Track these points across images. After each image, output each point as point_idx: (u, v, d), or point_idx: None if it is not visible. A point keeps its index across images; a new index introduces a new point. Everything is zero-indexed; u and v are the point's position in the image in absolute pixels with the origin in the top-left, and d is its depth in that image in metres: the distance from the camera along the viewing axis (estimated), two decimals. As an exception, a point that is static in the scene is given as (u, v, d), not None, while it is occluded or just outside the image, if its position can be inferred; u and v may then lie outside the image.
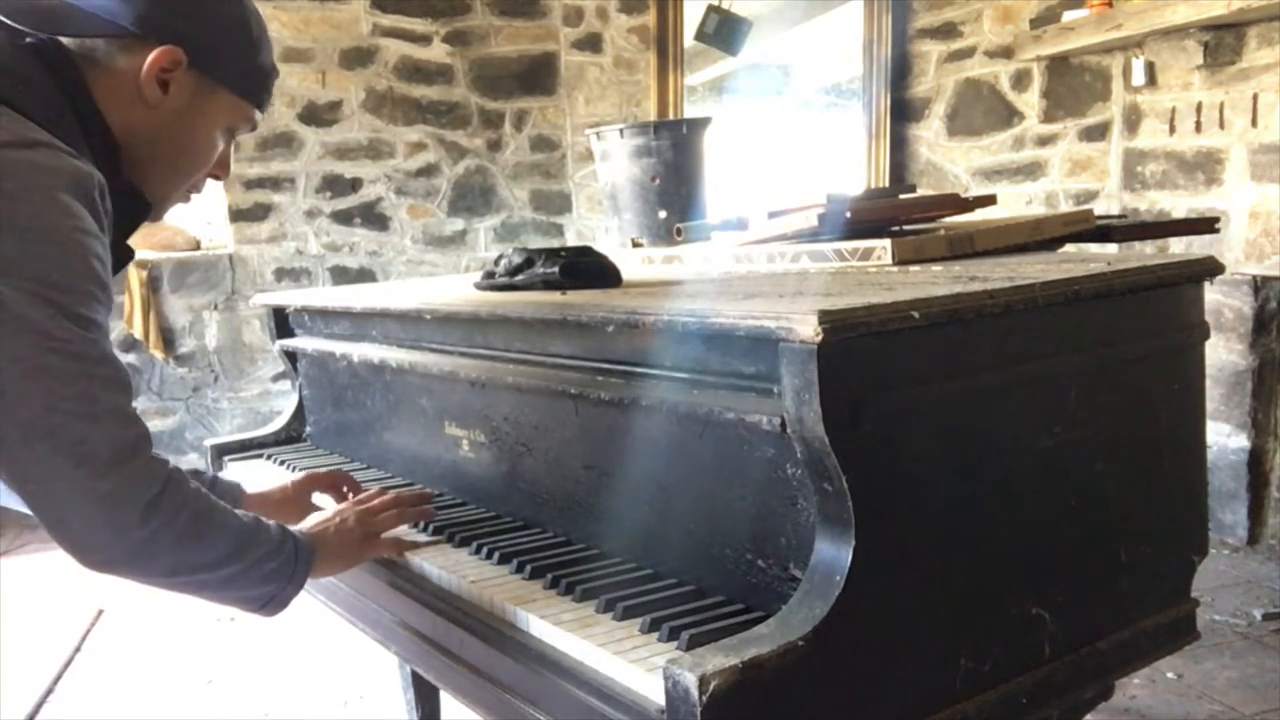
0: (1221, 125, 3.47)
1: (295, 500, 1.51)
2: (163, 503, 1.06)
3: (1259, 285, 3.20)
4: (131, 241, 1.27)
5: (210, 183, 1.33)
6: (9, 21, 1.11)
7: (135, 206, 1.21)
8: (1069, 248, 1.73)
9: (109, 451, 1.03)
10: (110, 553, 1.05)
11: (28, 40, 1.11)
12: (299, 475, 1.55)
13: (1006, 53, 4.21)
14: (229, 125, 1.26)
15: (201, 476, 1.45)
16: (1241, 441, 3.26)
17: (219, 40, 1.20)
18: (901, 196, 1.92)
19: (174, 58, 1.15)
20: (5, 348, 0.98)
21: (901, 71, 4.58)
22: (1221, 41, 3.39)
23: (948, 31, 4.46)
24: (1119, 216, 2.40)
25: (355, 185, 4.64)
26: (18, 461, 1.00)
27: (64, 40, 1.14)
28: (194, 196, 1.32)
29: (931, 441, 1.03)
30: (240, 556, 1.15)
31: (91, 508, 1.02)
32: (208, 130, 1.23)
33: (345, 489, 1.58)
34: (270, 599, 1.20)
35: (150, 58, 1.14)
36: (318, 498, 1.56)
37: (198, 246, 4.56)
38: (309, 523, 1.35)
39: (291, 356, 2.06)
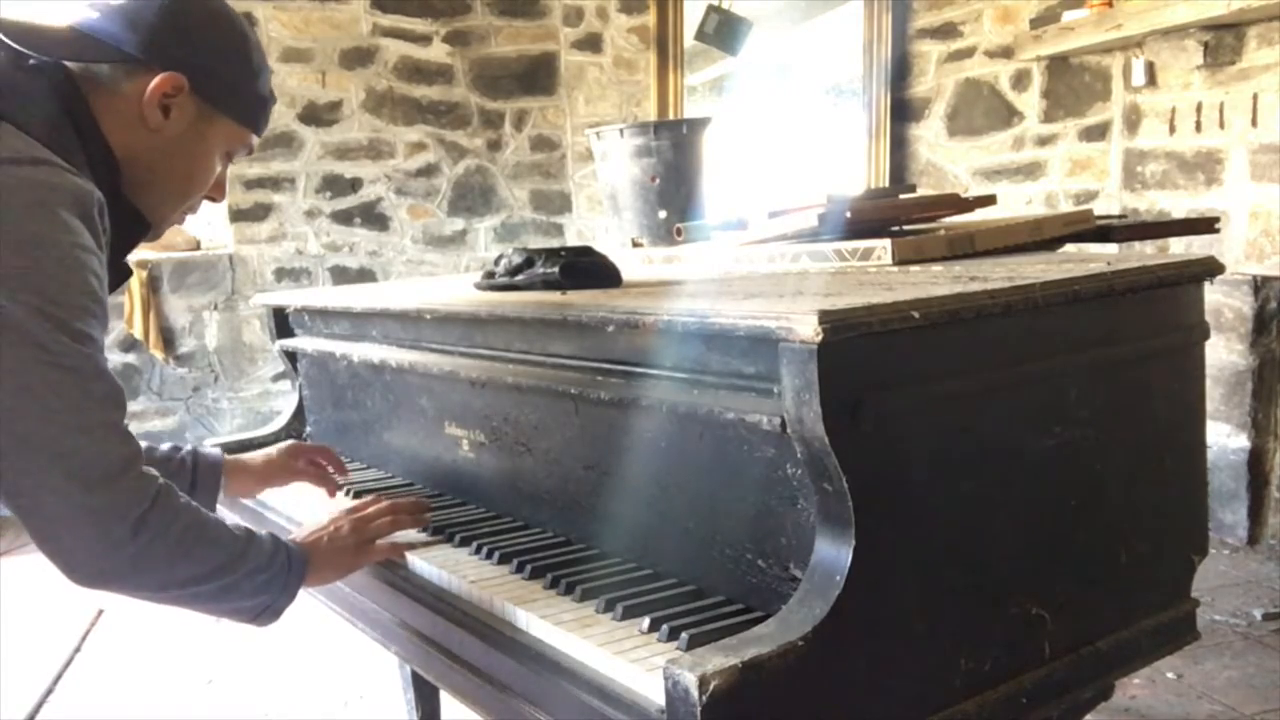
0: (1221, 125, 3.46)
1: (280, 466, 1.50)
2: (152, 519, 1.07)
3: (1259, 285, 3.20)
4: None
5: (206, 204, 1.35)
6: (15, 45, 1.13)
7: (134, 225, 1.24)
8: (1069, 248, 1.73)
9: (101, 466, 1.04)
10: (100, 567, 1.06)
11: (32, 62, 1.14)
12: (284, 443, 1.55)
13: (1006, 53, 4.21)
14: (227, 149, 1.29)
15: (180, 451, 1.46)
16: (1241, 441, 3.26)
17: (221, 68, 1.23)
18: (901, 196, 1.92)
19: (176, 84, 1.18)
20: (3, 360, 0.99)
21: (901, 71, 4.58)
22: (1221, 41, 3.39)
23: (948, 31, 4.46)
24: (1119, 216, 2.40)
25: (355, 185, 4.64)
26: (11, 473, 1.01)
27: (68, 64, 1.16)
28: (189, 217, 1.35)
29: (931, 441, 1.03)
30: (231, 570, 1.15)
31: (81, 522, 1.03)
32: (206, 154, 1.26)
33: (327, 464, 1.58)
34: (263, 610, 1.21)
35: (153, 83, 1.17)
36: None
37: (198, 246, 4.57)
38: (303, 530, 1.35)
39: (291, 356, 2.05)
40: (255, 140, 1.31)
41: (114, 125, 1.17)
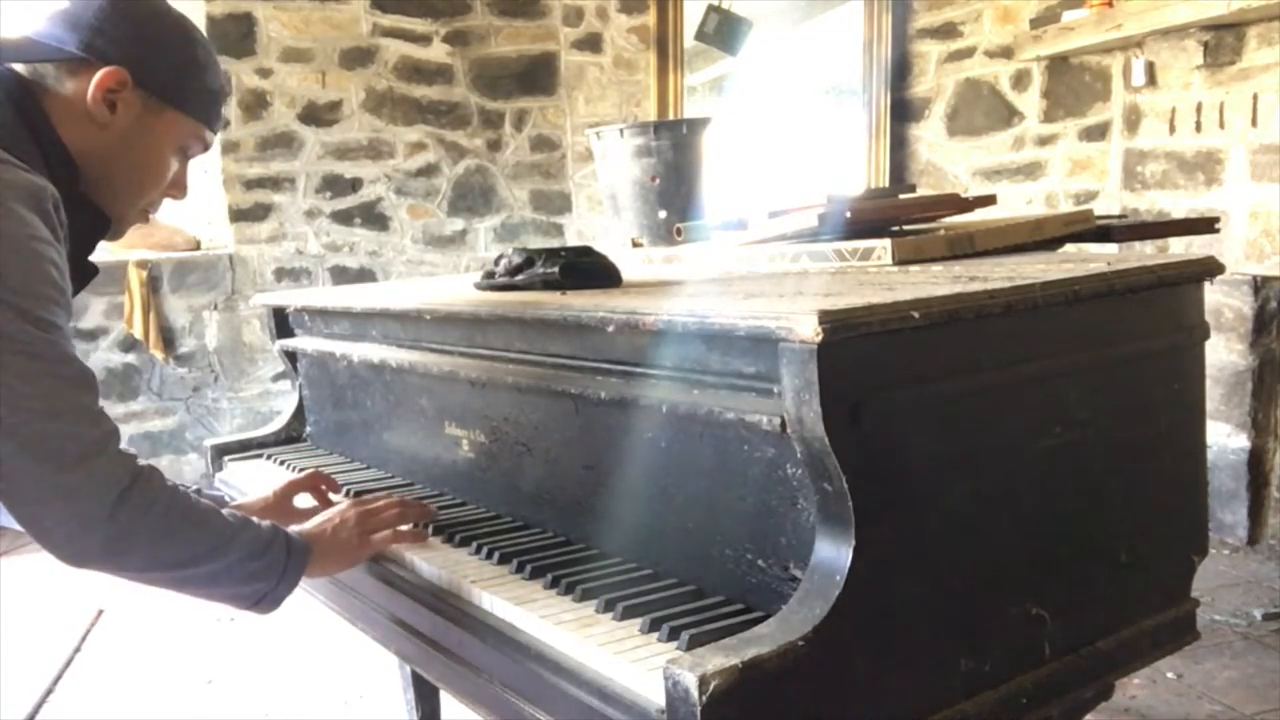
0: (1221, 125, 3.46)
1: (277, 508, 1.51)
2: (131, 498, 1.08)
3: (1259, 285, 3.20)
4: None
5: (169, 202, 1.37)
6: None
7: (95, 223, 1.26)
8: (1069, 248, 1.73)
9: (74, 448, 1.05)
10: (81, 547, 1.07)
11: None
12: (280, 484, 1.55)
13: (1006, 53, 4.21)
14: (180, 145, 1.30)
15: (186, 489, 1.46)
16: (1241, 441, 3.26)
17: (162, 62, 1.25)
18: (901, 196, 1.92)
19: (119, 78, 1.21)
20: None
21: (901, 71, 4.58)
22: (1221, 41, 3.39)
23: (948, 31, 4.46)
24: (1119, 216, 2.40)
25: (355, 185, 4.64)
26: None
27: (18, 68, 1.20)
28: (151, 216, 1.37)
29: (931, 441, 1.03)
30: (220, 554, 1.16)
31: (58, 503, 1.05)
32: (158, 149, 1.28)
33: (324, 488, 1.58)
34: (261, 596, 1.21)
35: (96, 78, 1.20)
36: (299, 499, 1.56)
37: (198, 246, 4.56)
38: (311, 523, 1.36)
39: (291, 356, 2.06)
40: (210, 136, 1.33)
41: (67, 125, 1.20)
